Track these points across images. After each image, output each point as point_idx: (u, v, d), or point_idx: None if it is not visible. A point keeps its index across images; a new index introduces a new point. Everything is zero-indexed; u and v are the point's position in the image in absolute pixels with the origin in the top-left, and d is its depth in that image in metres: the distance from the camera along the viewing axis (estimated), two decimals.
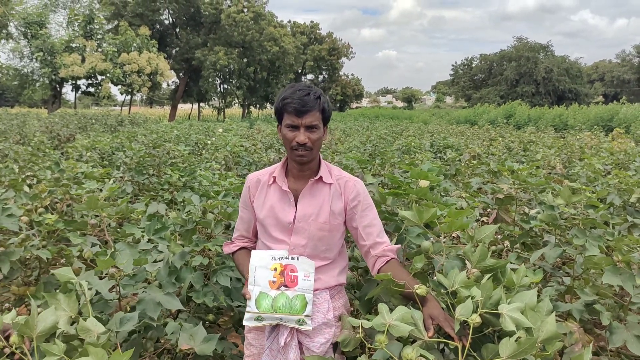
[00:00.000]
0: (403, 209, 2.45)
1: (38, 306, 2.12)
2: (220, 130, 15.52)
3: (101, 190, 3.54)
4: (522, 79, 63.90)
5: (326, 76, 70.64)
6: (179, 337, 2.17)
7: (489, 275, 1.78)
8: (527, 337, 1.49)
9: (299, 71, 64.62)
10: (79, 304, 1.89)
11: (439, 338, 1.75)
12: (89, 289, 2.04)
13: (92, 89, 42.27)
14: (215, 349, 2.56)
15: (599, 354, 2.65)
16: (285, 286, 2.02)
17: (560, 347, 1.66)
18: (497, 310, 1.61)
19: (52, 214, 3.29)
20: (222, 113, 55.41)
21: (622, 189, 4.41)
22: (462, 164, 6.90)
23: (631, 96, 60.67)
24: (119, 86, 41.05)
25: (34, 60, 38.45)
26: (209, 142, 10.12)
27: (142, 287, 2.42)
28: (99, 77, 40.50)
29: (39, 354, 1.64)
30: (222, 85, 53.65)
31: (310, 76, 69.81)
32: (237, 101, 57.84)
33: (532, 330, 1.56)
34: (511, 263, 2.67)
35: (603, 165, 6.44)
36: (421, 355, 1.62)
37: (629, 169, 6.23)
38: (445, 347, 1.90)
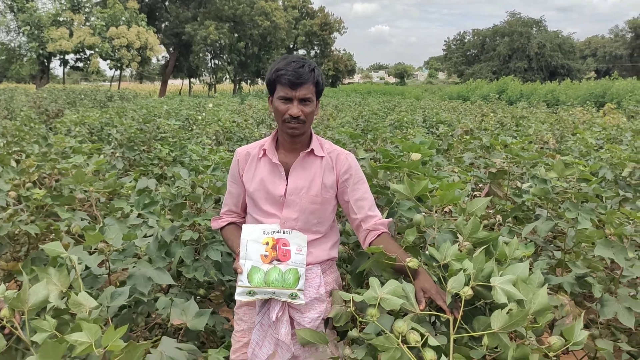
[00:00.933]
0: (395, 183, 2.43)
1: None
2: (211, 105, 15.39)
3: (88, 165, 3.49)
4: (515, 55, 63.64)
5: (318, 51, 69.96)
6: (171, 312, 2.16)
7: (481, 248, 1.77)
8: (519, 309, 1.49)
9: (291, 46, 63.91)
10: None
11: (431, 311, 1.75)
12: (79, 263, 2.02)
13: (80, 64, 41.76)
14: (207, 324, 2.56)
15: (589, 326, 2.67)
16: (278, 260, 2.00)
17: (551, 319, 1.66)
18: (489, 282, 1.60)
19: (40, 188, 3.25)
20: (213, 89, 54.93)
21: (614, 163, 4.42)
22: (455, 139, 6.88)
23: (623, 72, 60.68)
24: (108, 61, 40.54)
25: (21, 34, 37.83)
26: (200, 117, 10.02)
27: (132, 262, 2.40)
28: (88, 52, 39.99)
29: (29, 328, 1.62)
30: (212, 61, 53.11)
31: (302, 51, 69.11)
32: (228, 77, 57.35)
33: (523, 302, 1.56)
34: (504, 237, 2.66)
35: (595, 140, 6.45)
36: (412, 328, 1.61)
37: (621, 143, 6.24)
38: (436, 320, 1.90)
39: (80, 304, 1.70)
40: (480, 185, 4.26)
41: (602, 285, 2.42)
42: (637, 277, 2.74)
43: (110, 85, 45.24)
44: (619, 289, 2.39)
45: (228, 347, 2.25)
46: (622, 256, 2.28)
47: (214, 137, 7.36)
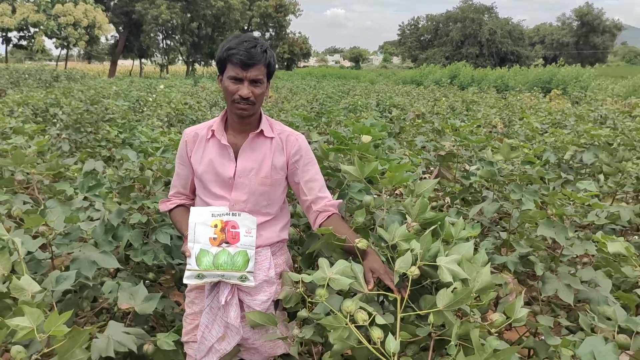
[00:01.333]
0: (347, 165, 2.44)
1: None
2: (162, 87, 15.04)
3: (30, 146, 3.35)
4: (467, 41, 64.83)
5: (273, 34, 69.19)
6: (119, 296, 2.11)
7: (428, 229, 1.80)
8: (463, 288, 1.53)
9: (245, 28, 62.92)
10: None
11: (379, 290, 1.77)
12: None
13: (24, 42, 39.95)
14: (156, 308, 2.52)
15: (532, 303, 2.77)
16: (227, 243, 1.99)
17: (494, 297, 1.71)
18: (435, 262, 1.63)
19: None
20: (165, 70, 53.63)
21: (558, 146, 4.58)
22: (407, 123, 6.97)
23: (569, 59, 62.66)
24: (54, 39, 38.96)
25: None
26: (151, 99, 9.78)
27: (78, 247, 2.33)
28: (32, 30, 38.34)
29: None
30: (164, 41, 51.83)
31: (256, 33, 68.05)
32: (180, 58, 56.13)
33: (468, 281, 1.60)
34: (452, 218, 2.73)
35: (541, 124, 6.66)
36: (361, 308, 1.63)
37: (565, 127, 6.47)
38: (385, 299, 1.93)
39: (22, 289, 1.65)
40: (431, 168, 4.34)
41: (544, 263, 2.51)
42: (577, 256, 2.87)
43: (57, 64, 43.57)
44: (559, 267, 2.49)
45: (178, 331, 2.22)
46: (563, 235, 2.37)
47: (165, 119, 7.21)
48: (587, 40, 76.77)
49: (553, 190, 2.72)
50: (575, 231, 3.36)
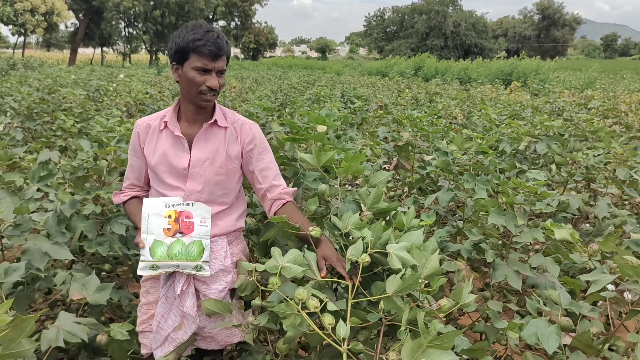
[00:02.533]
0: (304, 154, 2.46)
1: None
2: (122, 76, 14.73)
3: None
4: (432, 33, 65.52)
5: (238, 23, 68.48)
6: (70, 287, 2.09)
7: (380, 218, 1.84)
8: (412, 274, 1.57)
9: (210, 17, 62.06)
10: None
11: (332, 278, 1.80)
12: None
13: None
14: (112, 299, 2.50)
15: (485, 289, 2.85)
16: (181, 233, 1.98)
17: (444, 283, 1.76)
18: (386, 250, 1.67)
19: None
20: (127, 59, 52.51)
21: (513, 137, 4.70)
22: (370, 114, 7.03)
23: (531, 52, 64.07)
24: (10, 26, 37.62)
25: None
26: (111, 88, 9.58)
27: (30, 238, 2.29)
28: None
29: None
30: (126, 29, 50.67)
31: (222, 22, 67.39)
32: (143, 47, 55.00)
33: (416, 267, 1.64)
34: (407, 207, 2.78)
35: (499, 116, 6.81)
36: (313, 295, 1.66)
37: (523, 119, 6.63)
38: (338, 286, 1.96)
39: None
40: (392, 159, 4.40)
41: (495, 250, 2.58)
42: (530, 243, 2.97)
43: (14, 52, 42.13)
44: (510, 254, 2.57)
45: (133, 322, 2.21)
46: (512, 223, 2.45)
47: (124, 109, 7.07)
48: (548, 33, 78.53)
49: (504, 180, 2.80)
50: (530, 219, 3.47)
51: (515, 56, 36.14)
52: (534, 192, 2.59)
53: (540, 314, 2.07)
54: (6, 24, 37.54)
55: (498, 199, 2.71)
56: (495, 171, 3.06)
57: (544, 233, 2.47)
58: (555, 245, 2.57)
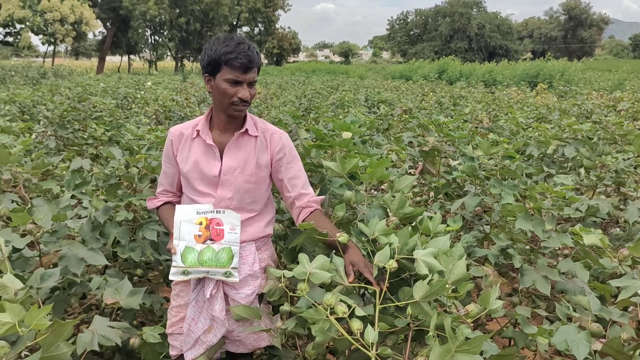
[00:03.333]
0: (329, 161, 2.49)
1: None
2: (149, 83, 14.98)
3: (17, 145, 3.37)
4: (456, 35, 65.01)
5: (262, 29, 68.95)
6: (105, 291, 2.15)
7: (406, 223, 1.85)
8: (439, 279, 1.58)
9: (234, 23, 62.68)
10: None
11: (360, 283, 1.83)
12: (6, 245, 1.97)
13: (10, 39, 39.59)
14: (144, 303, 2.56)
15: (513, 295, 2.84)
16: (211, 240, 2.03)
17: (471, 288, 1.77)
18: (413, 255, 1.69)
19: None
20: (153, 66, 53.35)
21: (541, 141, 4.65)
22: (394, 119, 7.02)
23: (557, 53, 63.14)
24: (40, 36, 38.61)
25: None
26: (139, 95, 9.76)
27: (66, 244, 2.36)
28: (18, 26, 37.96)
29: None
30: (152, 37, 51.51)
31: (245, 28, 68.00)
32: (169, 54, 55.82)
33: (443, 272, 1.65)
34: (434, 212, 2.78)
35: (525, 119, 6.74)
36: (341, 300, 1.68)
37: (550, 122, 6.56)
38: (365, 292, 1.98)
39: (5, 287, 1.67)
40: (417, 163, 4.40)
41: (523, 256, 2.57)
42: (558, 248, 2.94)
43: (44, 61, 43.18)
44: (538, 260, 2.56)
45: (165, 325, 2.26)
46: (540, 228, 2.44)
47: (153, 116, 7.21)
48: (575, 34, 77.26)
49: (531, 184, 2.78)
50: (558, 224, 3.44)
51: (542, 58, 35.66)
52: (562, 196, 2.57)
53: (570, 319, 2.06)
54: (37, 34, 38.48)
55: (525, 203, 2.69)
56: (523, 176, 3.04)
57: (572, 238, 2.45)
58: (584, 251, 2.55)
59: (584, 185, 3.95)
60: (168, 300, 2.88)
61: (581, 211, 2.94)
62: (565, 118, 6.16)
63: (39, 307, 1.53)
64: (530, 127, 5.68)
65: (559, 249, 2.97)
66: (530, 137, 4.98)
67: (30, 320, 1.45)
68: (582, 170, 4.02)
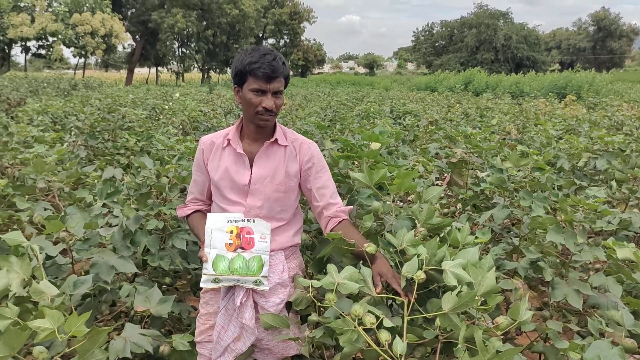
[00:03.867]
0: (357, 172, 2.50)
1: None
2: (177, 95, 15.22)
3: (51, 155, 3.46)
4: (482, 46, 64.57)
5: (287, 41, 69.62)
6: (135, 299, 2.18)
7: (434, 234, 1.85)
8: (468, 291, 1.57)
9: (260, 35, 63.42)
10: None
11: (388, 294, 1.82)
12: (40, 252, 2.02)
13: (42, 51, 40.71)
14: (172, 312, 2.59)
15: (543, 309, 2.79)
16: (242, 248, 2.05)
17: (500, 301, 1.75)
18: (441, 267, 1.68)
19: (2, 178, 3.21)
20: (180, 77, 54.20)
21: (572, 153, 4.58)
22: (420, 130, 7.00)
23: (586, 64, 62.15)
24: (72, 48, 39.60)
25: None
26: (167, 107, 9.92)
27: (97, 252, 2.41)
28: (50, 39, 39.00)
29: None
30: (180, 49, 52.40)
31: (271, 40, 68.73)
32: (196, 65, 56.67)
33: (472, 284, 1.64)
34: (461, 223, 2.76)
35: (555, 131, 6.65)
36: (369, 311, 1.68)
37: (579, 134, 6.46)
38: (393, 303, 1.97)
39: (41, 292, 1.71)
40: (444, 175, 4.38)
41: (553, 269, 2.53)
42: (589, 262, 2.89)
43: (75, 73, 44.25)
44: (569, 273, 2.51)
45: (193, 334, 2.29)
46: (572, 241, 2.40)
47: (180, 127, 7.32)
48: (604, 45, 76.06)
49: (562, 197, 2.74)
50: (589, 237, 3.37)
51: (570, 69, 35.16)
52: (594, 209, 2.53)
53: (602, 335, 2.02)
54: (68, 47, 39.45)
55: (556, 216, 2.66)
56: (553, 188, 3.00)
57: (605, 252, 2.40)
58: (617, 265, 2.50)
59: (616, 198, 3.87)
60: (195, 309, 2.91)
61: (613, 224, 2.88)
62: (595, 130, 6.06)
63: (71, 313, 1.57)
64: (562, 139, 5.60)
65: (590, 262, 2.92)
66: (562, 149, 4.91)
67: (69, 327, 1.48)
68: (613, 183, 3.95)
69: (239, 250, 2.04)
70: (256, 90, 2.04)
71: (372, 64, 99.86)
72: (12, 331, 1.44)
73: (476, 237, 2.13)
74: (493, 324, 1.72)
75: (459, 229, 1.94)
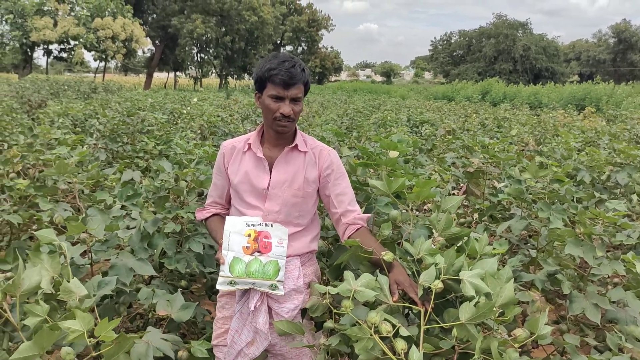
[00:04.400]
0: (374, 179, 2.50)
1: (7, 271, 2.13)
2: (195, 100, 15.35)
3: (72, 156, 3.51)
4: (501, 56, 64.19)
5: (305, 48, 69.97)
6: (157, 303, 2.21)
7: (453, 244, 1.84)
8: (486, 302, 1.56)
9: (278, 42, 63.81)
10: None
11: (404, 303, 1.81)
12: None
13: (64, 55, 41.32)
14: None
15: (560, 322, 2.76)
16: (259, 252, 2.06)
17: (518, 312, 1.73)
18: (459, 276, 1.67)
19: (24, 179, 3.26)
20: (198, 82, 54.64)
21: (592, 166, 4.53)
22: (438, 139, 6.98)
23: (606, 76, 61.49)
24: (93, 52, 40.15)
25: (4, 22, 37.28)
26: (185, 111, 10.01)
27: (115, 253, 2.44)
28: (72, 42, 39.57)
29: (20, 312, 1.65)
30: (199, 55, 52.86)
31: (289, 47, 69.10)
32: (214, 71, 57.10)
33: (490, 295, 1.63)
34: (478, 234, 2.75)
35: (575, 143, 6.59)
36: (385, 319, 1.67)
37: (599, 146, 6.39)
38: (409, 312, 1.97)
39: (70, 292, 1.73)
40: (461, 184, 4.36)
41: (572, 282, 2.50)
42: (608, 276, 2.85)
43: (95, 76, 44.80)
44: (588, 286, 2.48)
45: (209, 339, 2.30)
46: (591, 254, 2.37)
47: (198, 132, 7.37)
48: (624, 57, 75.18)
49: (581, 209, 2.72)
50: (608, 251, 3.33)
51: (589, 81, 34.81)
52: (614, 222, 2.50)
53: (621, 350, 1.99)
54: (89, 50, 39.99)
55: (575, 228, 2.63)
56: (572, 200, 2.97)
57: (624, 266, 2.38)
58: (636, 279, 2.47)
59: (636, 212, 3.82)
60: (210, 313, 2.93)
61: (633, 238, 2.84)
62: (615, 143, 5.99)
63: (92, 313, 1.59)
64: (582, 151, 5.54)
65: (609, 276, 2.88)
66: (582, 161, 4.86)
67: (99, 331, 1.50)
68: (634, 197, 3.90)
69: (256, 253, 2.05)
70: (274, 96, 2.06)
71: (389, 73, 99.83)
72: (44, 331, 1.46)
73: (493, 248, 2.11)
74: (510, 335, 1.71)
75: (477, 239, 1.93)
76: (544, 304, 2.45)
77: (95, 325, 1.53)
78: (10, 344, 1.81)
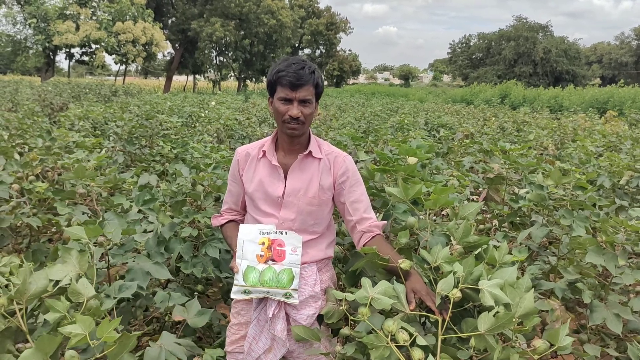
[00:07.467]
0: (392, 186, 2.47)
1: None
2: (213, 103, 15.43)
3: (90, 160, 3.54)
4: (520, 59, 63.54)
5: (323, 51, 70.01)
6: (174, 308, 2.21)
7: (471, 252, 1.81)
8: (505, 312, 1.53)
9: (296, 45, 63.97)
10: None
11: (421, 311, 1.79)
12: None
13: (86, 58, 41.92)
14: None
15: (580, 331, 2.71)
16: (273, 260, 2.05)
17: (537, 323, 1.70)
18: (477, 285, 1.64)
19: (43, 182, 3.29)
20: (217, 86, 55.00)
21: (613, 171, 4.45)
22: (455, 143, 6.92)
23: (628, 79, 60.57)
24: (114, 56, 40.66)
25: (27, 26, 37.94)
26: (203, 114, 10.06)
27: (132, 257, 2.45)
28: (93, 46, 40.11)
29: (27, 315, 1.66)
30: (217, 58, 53.20)
31: (307, 50, 69.24)
32: (233, 74, 57.42)
33: (510, 305, 1.60)
34: (497, 241, 2.71)
35: (595, 148, 6.48)
36: (402, 328, 1.65)
37: (620, 151, 6.27)
38: (426, 320, 1.94)
39: (78, 293, 1.74)
40: (479, 190, 4.30)
41: (593, 291, 2.45)
42: (629, 285, 2.79)
43: (115, 79, 45.38)
44: (609, 296, 2.43)
45: (221, 344, 2.29)
46: (613, 264, 2.32)
47: (215, 135, 7.40)
48: None
49: (603, 217, 2.66)
50: (630, 259, 3.26)
51: (612, 84, 34.27)
52: (636, 230, 2.45)
53: None
54: (110, 54, 40.50)
55: (597, 236, 2.58)
56: (594, 207, 2.92)
57: None
58: None
59: None
60: (226, 317, 2.92)
61: None
62: (638, 147, 5.88)
63: (110, 317, 1.59)
64: (602, 156, 5.44)
65: (631, 285, 2.82)
66: (602, 166, 4.77)
67: (101, 332, 1.50)
68: None
69: (270, 262, 2.04)
70: (283, 99, 2.05)
71: (407, 75, 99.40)
72: (45, 337, 1.46)
73: (513, 256, 2.08)
74: (529, 346, 1.68)
75: (496, 247, 1.90)
76: (564, 313, 2.41)
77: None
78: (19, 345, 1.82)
